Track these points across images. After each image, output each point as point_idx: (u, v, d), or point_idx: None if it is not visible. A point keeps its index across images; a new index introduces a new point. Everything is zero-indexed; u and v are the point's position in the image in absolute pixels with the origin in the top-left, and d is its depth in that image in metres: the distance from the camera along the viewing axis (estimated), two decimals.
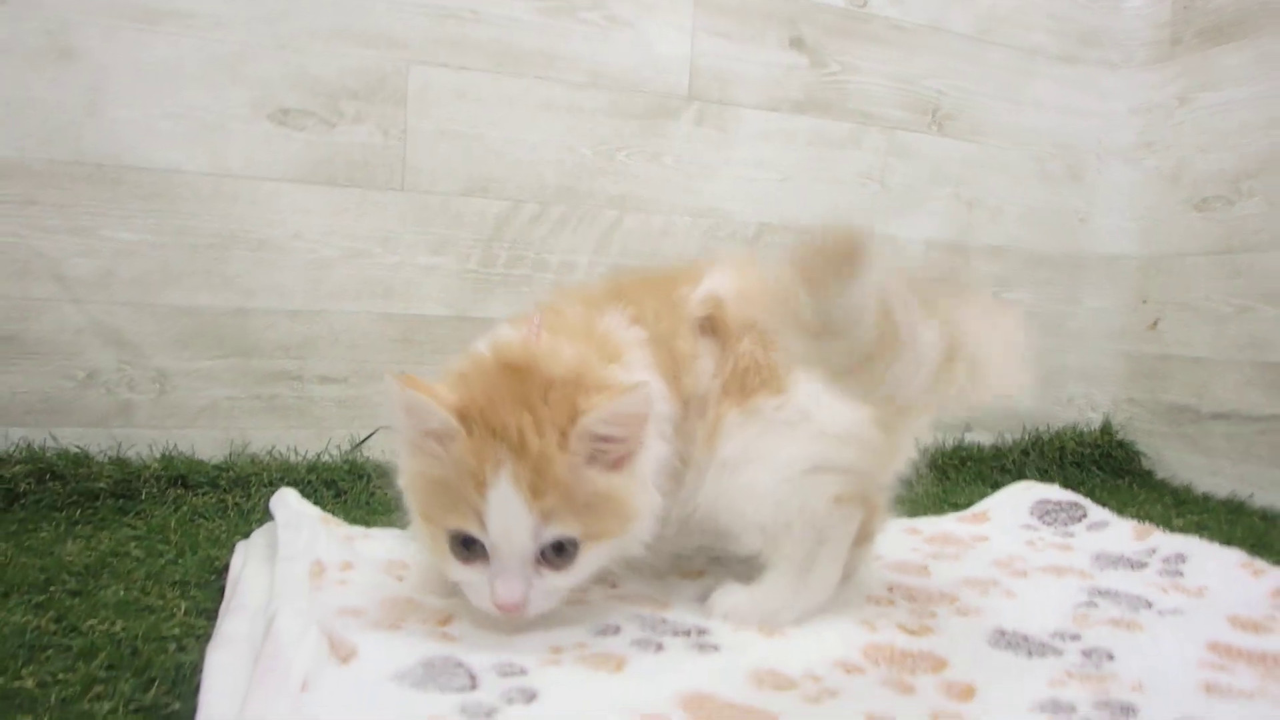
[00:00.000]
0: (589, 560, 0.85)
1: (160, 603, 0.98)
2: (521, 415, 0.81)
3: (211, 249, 1.48)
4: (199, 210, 1.47)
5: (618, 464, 0.85)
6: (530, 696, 0.77)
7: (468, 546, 0.82)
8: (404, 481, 0.87)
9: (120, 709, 0.74)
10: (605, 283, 1.06)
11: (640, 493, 0.87)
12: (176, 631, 0.91)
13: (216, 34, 1.45)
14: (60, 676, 0.79)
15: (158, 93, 1.43)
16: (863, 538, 1.05)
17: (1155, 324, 1.99)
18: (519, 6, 1.61)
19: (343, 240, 1.55)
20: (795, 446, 0.97)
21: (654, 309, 0.99)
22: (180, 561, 1.12)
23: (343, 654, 0.81)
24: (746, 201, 1.79)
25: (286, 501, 1.16)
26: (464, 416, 0.81)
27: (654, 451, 0.90)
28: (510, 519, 0.79)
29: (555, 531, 0.81)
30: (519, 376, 0.85)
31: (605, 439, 0.83)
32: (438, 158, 1.59)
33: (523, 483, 0.79)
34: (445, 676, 0.80)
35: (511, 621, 0.86)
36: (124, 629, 0.90)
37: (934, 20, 1.89)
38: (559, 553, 0.83)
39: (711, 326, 0.99)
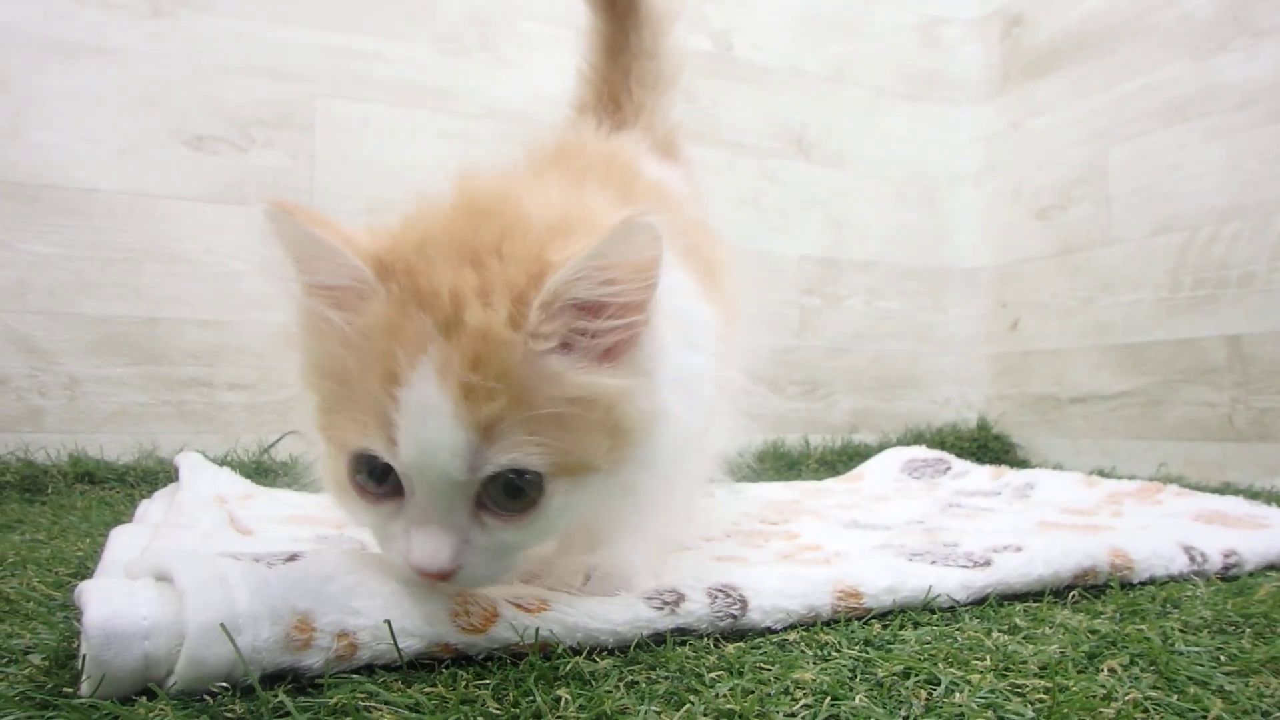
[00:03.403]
0: (559, 507, 0.56)
1: (66, 544, 1.03)
2: (462, 272, 0.55)
3: (125, 262, 1.57)
4: (114, 226, 1.56)
5: (609, 354, 0.57)
6: None
7: (377, 476, 0.56)
8: (300, 377, 0.60)
9: (25, 584, 0.79)
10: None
11: (645, 398, 0.58)
12: (81, 551, 0.96)
13: (136, 67, 1.58)
14: None
15: (78, 119, 1.55)
16: None
17: (1015, 325, 2.19)
18: (418, 48, 1.79)
19: (252, 255, 1.65)
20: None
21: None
22: (87, 521, 1.17)
23: (241, 530, 0.88)
24: None
25: (190, 456, 1.23)
26: (384, 268, 0.55)
27: (677, 358, 0.63)
28: (433, 435, 0.52)
29: (504, 458, 0.53)
30: (477, 218, 0.58)
31: (590, 309, 0.55)
32: (343, 180, 1.72)
33: (452, 378, 0.52)
34: (339, 544, 0.87)
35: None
36: (29, 546, 0.96)
37: (791, 63, 2.13)
38: (512, 494, 0.55)
39: None
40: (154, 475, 1.45)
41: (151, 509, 1.05)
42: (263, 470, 1.55)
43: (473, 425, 0.52)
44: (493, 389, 0.52)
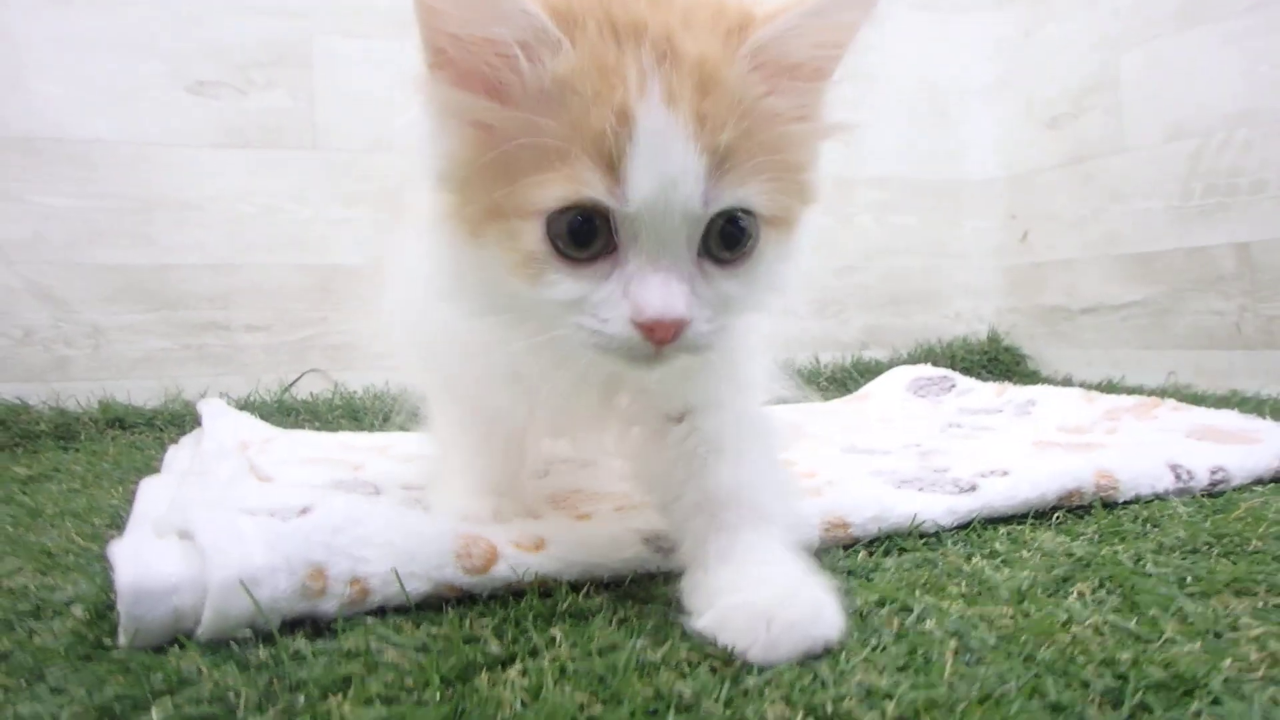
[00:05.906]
0: (768, 262, 0.56)
1: (100, 493, 1.08)
2: (664, 10, 0.53)
3: (135, 211, 1.60)
4: (121, 175, 1.58)
5: (804, 114, 0.56)
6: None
7: (581, 237, 0.51)
8: (440, 164, 0.55)
9: (64, 537, 0.84)
10: None
11: (818, 166, 0.59)
12: (115, 500, 1.01)
13: (131, 11, 1.58)
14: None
15: (77, 67, 1.55)
16: None
17: (1025, 236, 2.18)
18: None
19: (258, 198, 1.67)
20: None
21: None
22: (119, 468, 1.22)
23: (261, 476, 0.93)
24: None
25: (212, 403, 1.27)
26: (564, 19, 0.51)
27: None
28: (672, 163, 0.50)
29: (736, 193, 0.52)
30: None
31: (794, 69, 0.54)
32: (344, 118, 1.72)
33: (684, 104, 0.50)
34: (352, 489, 0.91)
35: (648, 363, 0.53)
36: (66, 496, 1.01)
37: None
38: (730, 243, 0.54)
39: None
40: (181, 419, 1.51)
41: (178, 456, 1.10)
42: (285, 409, 1.60)
43: (707, 152, 0.50)
44: (722, 117, 0.50)
